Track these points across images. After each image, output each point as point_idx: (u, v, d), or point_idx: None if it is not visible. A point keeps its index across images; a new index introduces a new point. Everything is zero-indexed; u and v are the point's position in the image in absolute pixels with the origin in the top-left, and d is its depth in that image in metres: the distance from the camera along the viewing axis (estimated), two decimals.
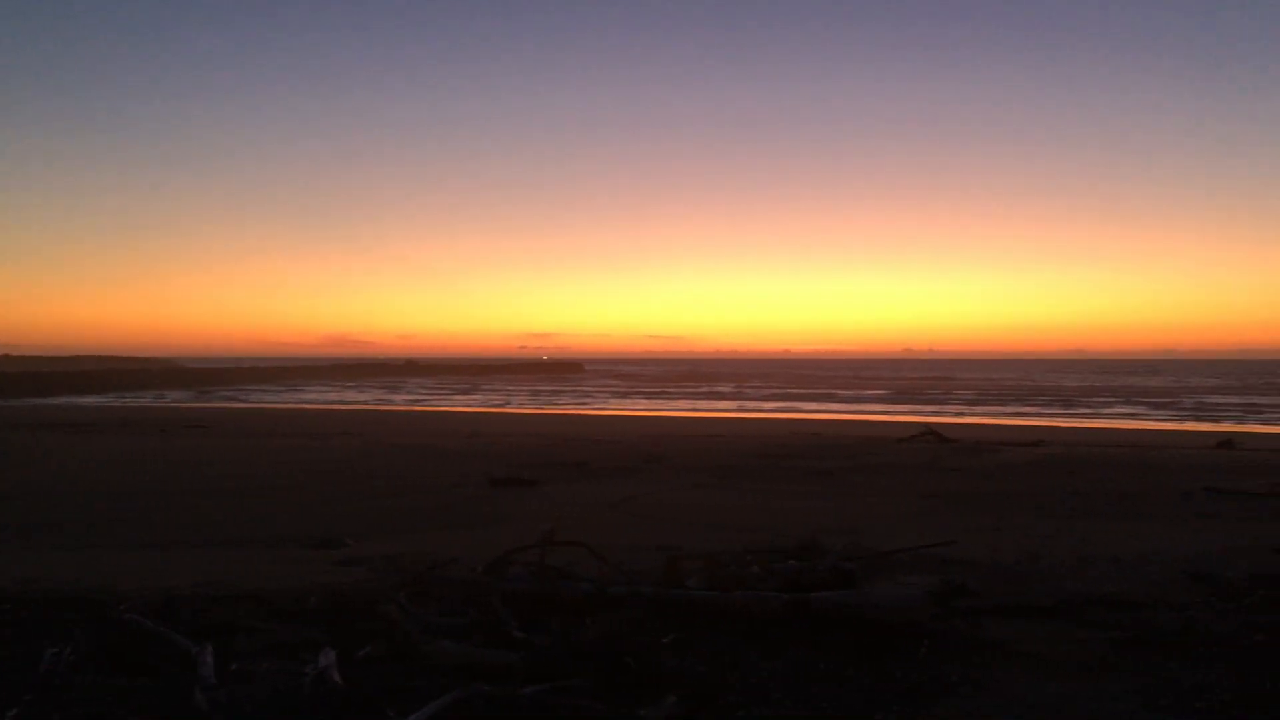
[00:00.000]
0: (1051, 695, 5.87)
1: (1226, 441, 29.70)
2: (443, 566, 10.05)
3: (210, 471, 21.72)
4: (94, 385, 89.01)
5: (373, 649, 6.60)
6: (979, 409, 65.26)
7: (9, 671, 6.05)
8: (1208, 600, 8.43)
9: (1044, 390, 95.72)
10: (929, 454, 25.60)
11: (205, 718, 5.27)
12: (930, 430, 32.26)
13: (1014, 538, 12.65)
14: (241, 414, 52.12)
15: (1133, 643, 6.97)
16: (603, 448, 27.50)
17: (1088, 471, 21.19)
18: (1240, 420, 52.01)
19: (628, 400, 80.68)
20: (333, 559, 11.46)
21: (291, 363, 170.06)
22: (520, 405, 71.18)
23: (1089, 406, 67.59)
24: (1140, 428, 45.69)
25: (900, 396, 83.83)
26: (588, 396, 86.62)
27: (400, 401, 75.56)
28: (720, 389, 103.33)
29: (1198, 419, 53.70)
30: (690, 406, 70.22)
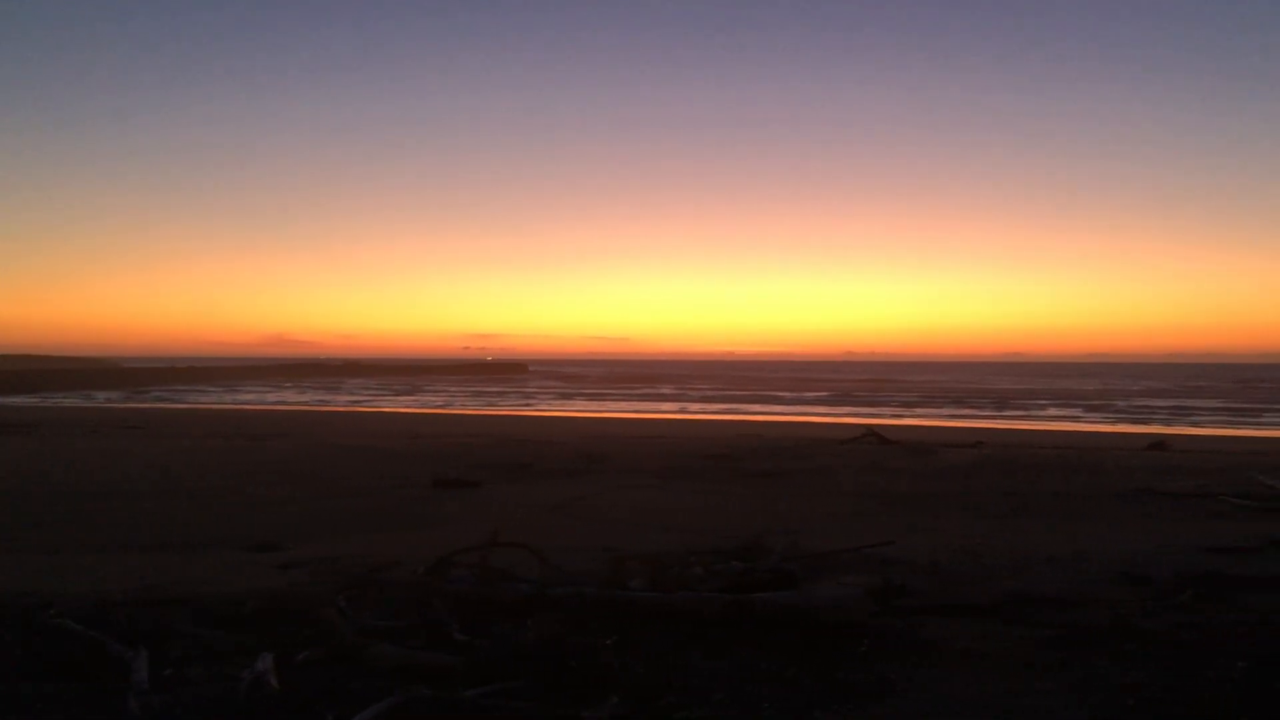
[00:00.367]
0: (987, 693, 5.97)
1: (1158, 443, 30.38)
2: (384, 569, 9.96)
3: (145, 473, 21.29)
4: (22, 385, 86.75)
5: (311, 653, 6.51)
6: (919, 410, 66.12)
7: None
8: (1140, 599, 8.61)
9: (982, 392, 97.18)
10: (870, 455, 25.86)
11: None
12: (871, 432, 32.59)
13: (953, 538, 12.83)
14: (177, 414, 51.20)
15: (1067, 641, 7.10)
16: (546, 449, 27.42)
17: (1025, 472, 21.54)
18: (1171, 422, 53.21)
19: (572, 401, 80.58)
20: (271, 562, 11.29)
21: (229, 363, 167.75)
22: (464, 406, 70.76)
23: (1026, 408, 68.81)
24: (1075, 429, 46.62)
25: (842, 398, 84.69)
26: (532, 397, 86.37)
27: (341, 402, 74.73)
28: (664, 390, 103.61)
29: (1130, 421, 54.88)
30: (634, 408, 70.31)
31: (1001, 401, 78.49)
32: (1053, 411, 65.40)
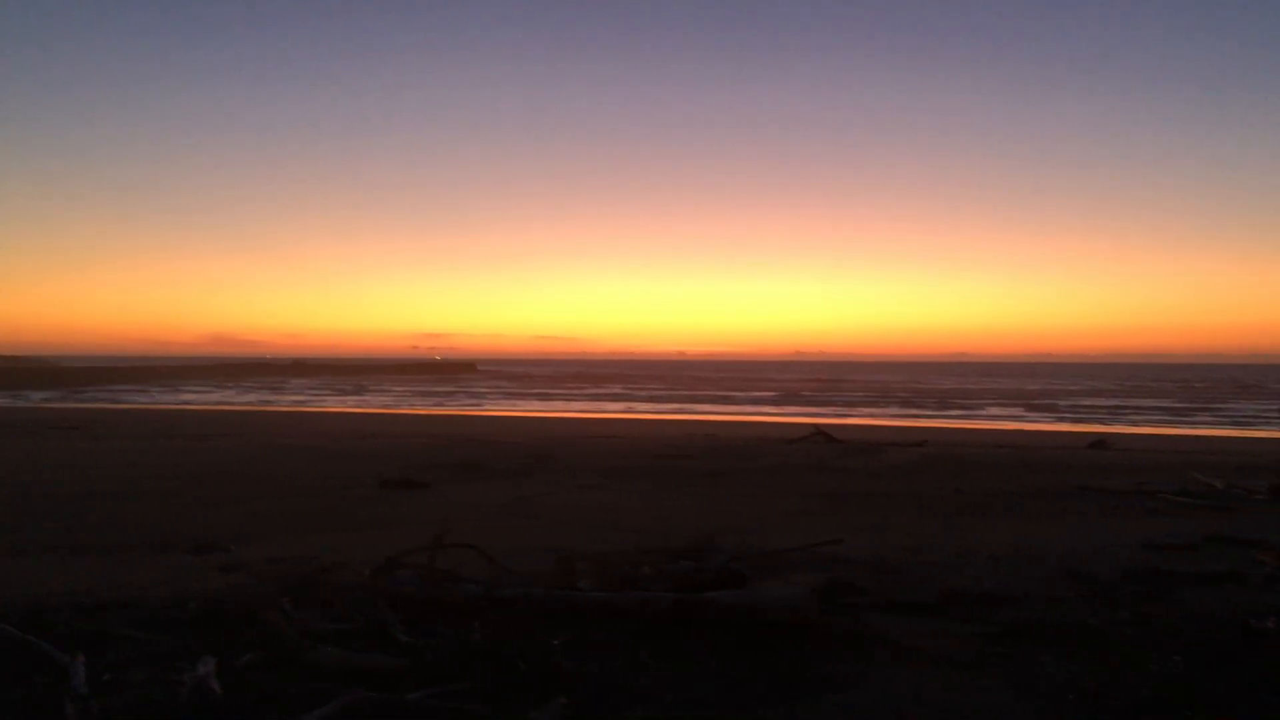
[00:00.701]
0: (931, 688, 6.04)
1: (1099, 442, 30.95)
2: (329, 571, 9.84)
3: (83, 474, 20.83)
4: None
5: (254, 657, 6.40)
6: (866, 410, 66.81)
7: None
8: (1081, 595, 8.76)
9: (928, 392, 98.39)
10: (818, 454, 26.04)
11: None
12: (819, 431, 32.82)
13: (898, 536, 12.96)
14: (116, 415, 50.21)
15: (1009, 637, 7.21)
16: (495, 449, 27.28)
17: (969, 471, 21.81)
18: (1111, 421, 54.23)
19: (521, 401, 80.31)
20: (213, 564, 11.10)
21: (170, 362, 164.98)
22: (411, 406, 70.21)
23: (971, 408, 69.76)
24: (1019, 428, 47.30)
25: (791, 398, 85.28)
26: (480, 397, 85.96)
27: (285, 402, 73.78)
28: (613, 390, 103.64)
29: (1072, 420, 55.87)
30: (583, 407, 70.20)
31: (947, 401, 79.52)
32: (997, 411, 66.36)
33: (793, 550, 10.80)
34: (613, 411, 64.77)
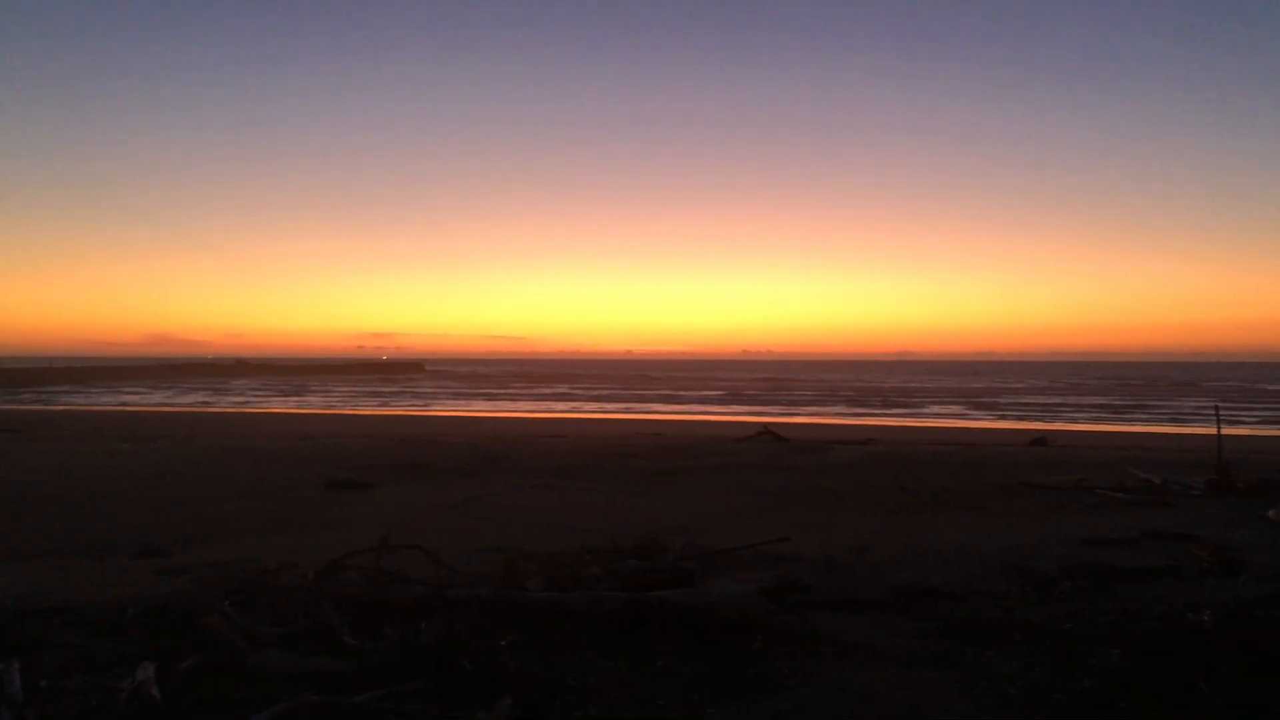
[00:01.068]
0: (877, 684, 6.10)
1: (1039, 439, 31.52)
2: (272, 573, 9.69)
3: (19, 478, 20.37)
4: None
5: (195, 661, 6.30)
6: (813, 409, 67.31)
7: None
8: (1022, 590, 8.91)
9: (874, 391, 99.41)
10: (766, 453, 26.19)
11: None
12: (767, 430, 33.02)
13: (845, 533, 13.08)
14: (53, 416, 49.16)
15: (954, 632, 7.30)
16: (442, 449, 27.09)
17: (914, 468, 22.07)
18: (1052, 419, 55.19)
19: (469, 401, 79.83)
20: (154, 568, 10.90)
21: (109, 362, 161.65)
22: (357, 406, 69.51)
23: (915, 406, 70.56)
24: (962, 426, 47.97)
25: (739, 397, 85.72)
26: (427, 397, 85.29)
27: (227, 403, 72.67)
28: (562, 389, 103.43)
29: (1014, 418, 56.77)
30: (532, 407, 69.97)
31: (892, 399, 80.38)
32: (941, 409, 67.23)
33: (741, 549, 10.85)
34: (561, 411, 64.65)
